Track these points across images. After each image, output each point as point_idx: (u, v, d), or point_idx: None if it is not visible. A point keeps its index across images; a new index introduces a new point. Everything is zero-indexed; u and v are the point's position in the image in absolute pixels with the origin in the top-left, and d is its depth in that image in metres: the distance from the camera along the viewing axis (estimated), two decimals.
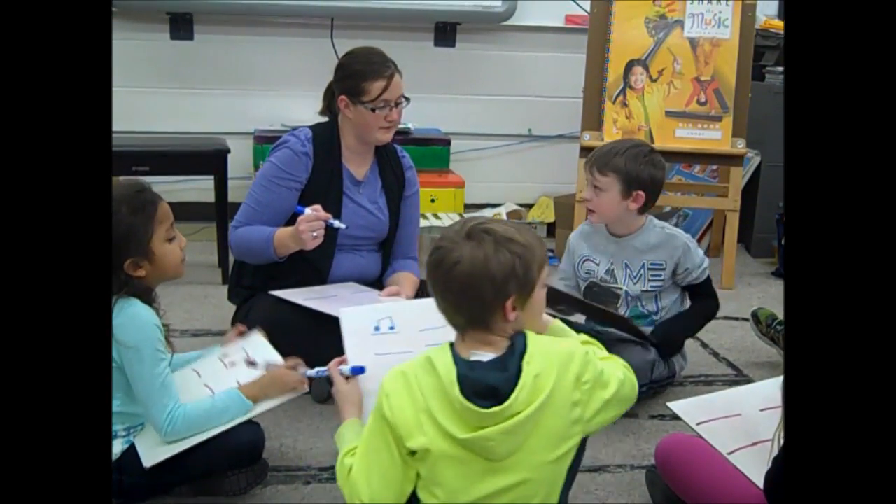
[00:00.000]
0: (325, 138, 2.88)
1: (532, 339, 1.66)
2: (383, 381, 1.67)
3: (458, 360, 1.62)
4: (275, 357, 2.27)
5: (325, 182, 2.84)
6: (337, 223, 2.72)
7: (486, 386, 1.58)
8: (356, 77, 2.80)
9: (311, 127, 2.93)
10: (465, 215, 4.33)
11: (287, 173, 2.82)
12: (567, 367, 1.64)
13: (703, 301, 2.87)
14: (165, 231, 2.06)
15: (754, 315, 3.16)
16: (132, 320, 1.98)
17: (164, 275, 2.09)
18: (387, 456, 1.65)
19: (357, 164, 2.92)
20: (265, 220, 2.82)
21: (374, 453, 1.67)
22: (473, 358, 1.63)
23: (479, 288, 1.59)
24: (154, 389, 2.01)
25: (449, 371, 1.60)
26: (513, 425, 1.58)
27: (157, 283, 2.11)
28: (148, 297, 2.07)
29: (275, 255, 2.75)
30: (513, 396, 1.57)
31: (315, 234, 2.66)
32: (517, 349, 1.63)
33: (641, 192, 2.71)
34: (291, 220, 2.79)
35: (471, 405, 1.57)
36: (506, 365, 1.61)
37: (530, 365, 1.60)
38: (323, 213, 2.68)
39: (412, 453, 1.63)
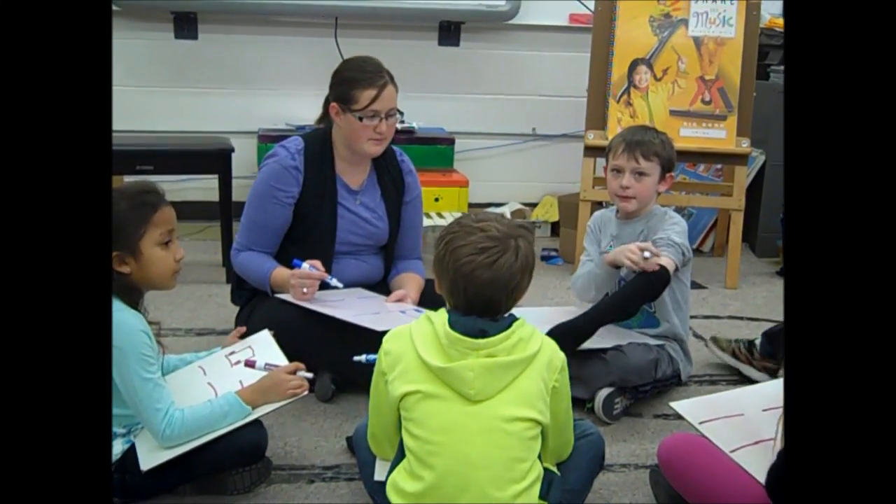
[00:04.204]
0: (317, 148, 2.82)
1: (524, 319, 1.83)
2: (383, 340, 1.85)
3: (452, 313, 1.79)
4: (276, 359, 2.28)
5: (318, 194, 2.80)
6: (334, 282, 2.68)
7: (477, 328, 1.76)
8: (347, 84, 2.73)
9: (303, 136, 2.87)
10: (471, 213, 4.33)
11: (277, 189, 2.77)
12: (550, 350, 1.82)
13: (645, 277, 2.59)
14: (160, 235, 2.04)
15: (713, 339, 3.15)
16: (118, 327, 1.94)
17: (149, 279, 2.06)
18: (383, 402, 1.83)
19: (352, 174, 2.87)
20: (264, 240, 2.81)
21: (374, 398, 1.87)
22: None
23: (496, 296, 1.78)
24: (145, 394, 2.00)
25: (443, 320, 1.78)
26: (492, 364, 1.74)
27: (145, 286, 2.09)
28: (134, 300, 2.06)
29: (271, 293, 2.75)
30: (499, 337, 1.75)
31: (306, 290, 2.64)
32: (511, 317, 1.81)
33: (672, 174, 2.82)
34: (293, 232, 2.81)
35: (458, 335, 1.74)
36: (497, 321, 1.79)
37: (519, 329, 1.79)
38: (317, 273, 2.65)
39: (400, 401, 1.78)
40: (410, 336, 1.80)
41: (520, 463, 1.75)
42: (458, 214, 4.27)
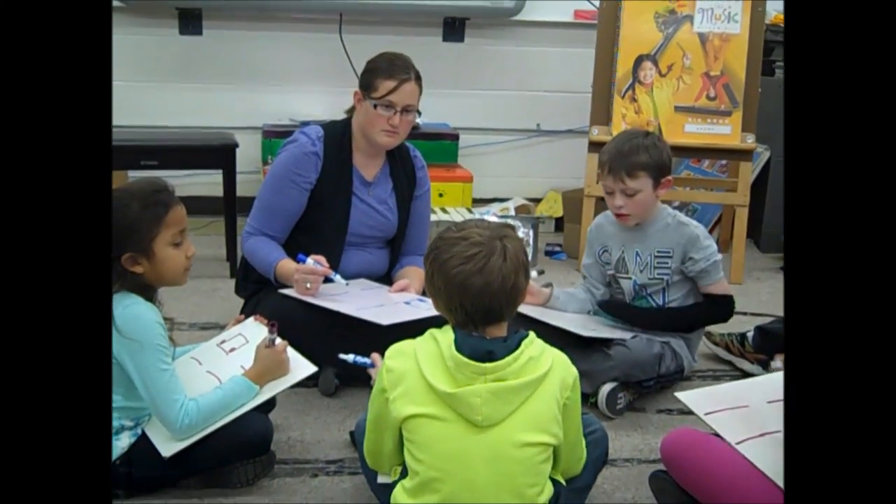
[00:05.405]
0: (337, 138, 2.86)
1: (533, 335, 1.77)
2: (385, 356, 1.79)
3: (458, 332, 1.73)
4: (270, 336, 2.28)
5: (333, 183, 2.83)
6: (337, 278, 2.68)
7: (484, 350, 1.69)
8: (372, 72, 2.80)
9: (323, 125, 2.91)
10: (474, 210, 4.34)
11: (296, 173, 2.80)
12: (562, 367, 1.76)
13: (711, 303, 2.80)
14: (172, 235, 2.05)
15: (707, 334, 3.16)
16: (135, 320, 1.97)
17: (162, 278, 2.07)
18: (383, 420, 1.77)
19: (367, 166, 2.91)
20: (276, 225, 2.83)
21: (373, 414, 1.81)
22: (475, 334, 1.73)
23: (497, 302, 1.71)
24: (162, 385, 2.01)
25: (449, 341, 1.71)
26: (501, 389, 1.67)
27: (157, 283, 2.09)
28: (148, 295, 2.07)
29: (275, 282, 2.76)
30: (507, 360, 1.69)
31: (309, 285, 2.65)
32: (520, 335, 1.74)
33: (670, 178, 2.74)
34: (304, 219, 2.83)
35: (465, 358, 1.68)
36: (506, 340, 1.73)
37: (528, 348, 1.72)
38: (321, 269, 2.66)
39: (402, 422, 1.73)
40: (415, 355, 1.73)
41: (529, 488, 1.71)
42: (463, 210, 4.29)
